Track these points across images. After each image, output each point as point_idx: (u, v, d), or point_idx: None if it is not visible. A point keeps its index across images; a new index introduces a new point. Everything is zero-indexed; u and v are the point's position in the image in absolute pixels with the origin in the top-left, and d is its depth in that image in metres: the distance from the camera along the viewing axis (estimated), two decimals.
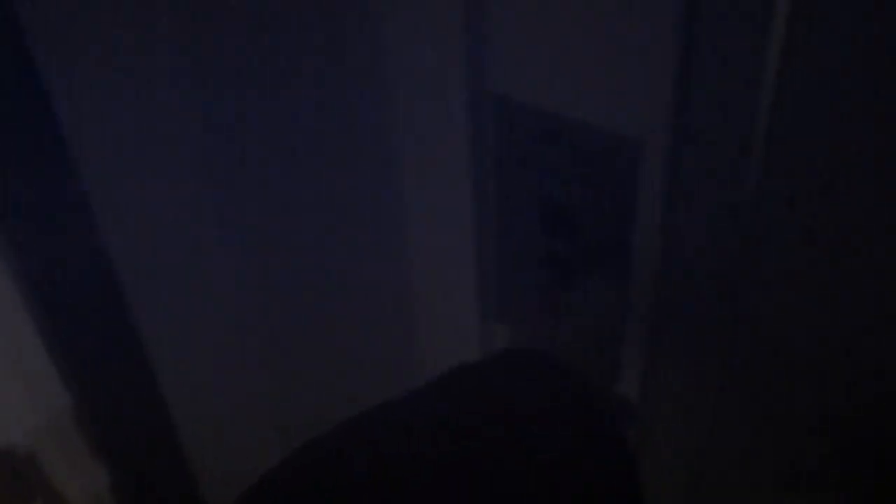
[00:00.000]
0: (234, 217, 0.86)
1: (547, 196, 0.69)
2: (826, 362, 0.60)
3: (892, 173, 0.50)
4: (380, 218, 0.88)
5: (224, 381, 0.96)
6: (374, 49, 0.76)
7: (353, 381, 0.92)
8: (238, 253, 0.88)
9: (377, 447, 0.46)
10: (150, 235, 0.80)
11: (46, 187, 0.69)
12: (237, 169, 0.83)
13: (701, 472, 0.73)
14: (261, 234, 0.88)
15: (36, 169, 0.68)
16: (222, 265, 0.88)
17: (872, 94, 0.49)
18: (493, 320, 0.82)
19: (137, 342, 0.81)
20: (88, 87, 0.70)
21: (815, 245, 0.56)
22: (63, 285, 0.73)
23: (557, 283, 0.73)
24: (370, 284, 0.92)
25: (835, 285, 0.56)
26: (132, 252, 0.78)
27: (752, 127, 0.54)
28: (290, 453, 0.47)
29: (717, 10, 0.52)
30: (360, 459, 0.45)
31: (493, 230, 0.76)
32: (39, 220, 0.70)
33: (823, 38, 0.49)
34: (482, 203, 0.75)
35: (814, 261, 0.57)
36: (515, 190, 0.71)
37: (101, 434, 0.84)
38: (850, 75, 0.49)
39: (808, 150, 0.53)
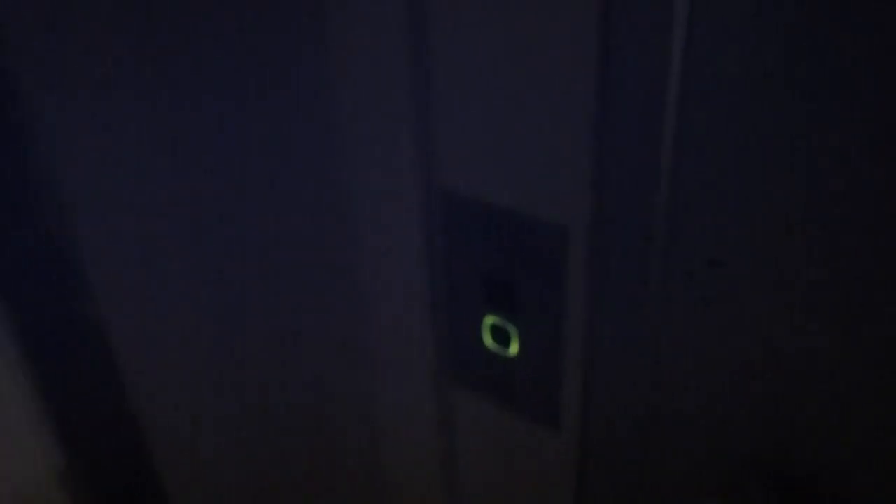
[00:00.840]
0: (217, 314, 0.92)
1: (488, 273, 0.77)
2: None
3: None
4: (336, 303, 0.94)
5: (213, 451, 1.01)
6: (329, 161, 0.83)
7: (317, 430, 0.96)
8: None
9: None
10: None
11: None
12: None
13: None
14: (232, 317, 0.94)
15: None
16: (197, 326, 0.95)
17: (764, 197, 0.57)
18: (448, 385, 0.90)
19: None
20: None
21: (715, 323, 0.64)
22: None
23: (501, 350, 0.81)
24: (330, 349, 0.98)
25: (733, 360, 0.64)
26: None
27: (654, 216, 0.63)
28: None
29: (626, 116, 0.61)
30: None
31: (445, 303, 0.84)
32: None
33: (718, 127, 0.58)
34: (435, 279, 0.83)
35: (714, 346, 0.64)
36: (462, 267, 0.79)
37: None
38: (745, 181, 0.58)
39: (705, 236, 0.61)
